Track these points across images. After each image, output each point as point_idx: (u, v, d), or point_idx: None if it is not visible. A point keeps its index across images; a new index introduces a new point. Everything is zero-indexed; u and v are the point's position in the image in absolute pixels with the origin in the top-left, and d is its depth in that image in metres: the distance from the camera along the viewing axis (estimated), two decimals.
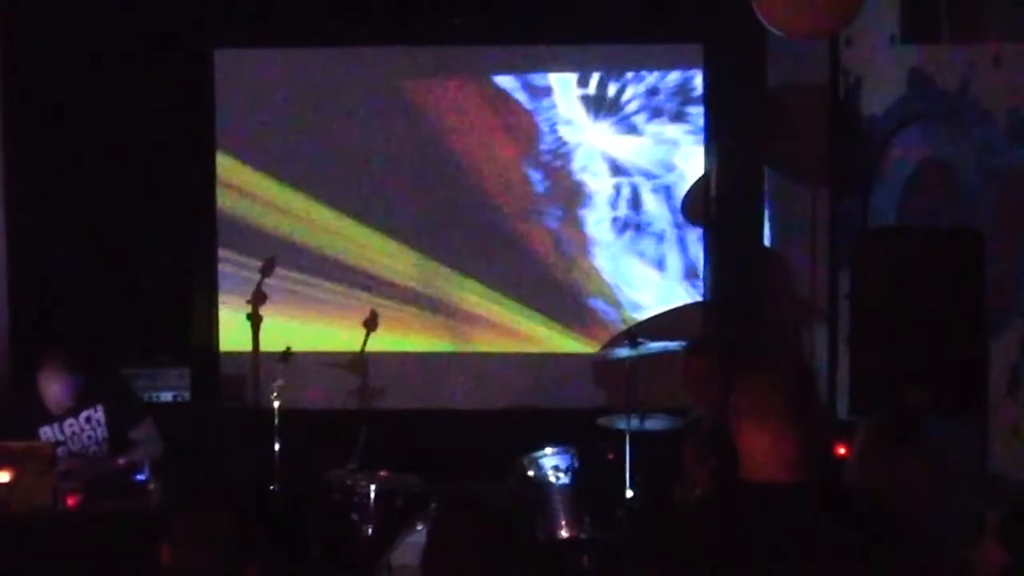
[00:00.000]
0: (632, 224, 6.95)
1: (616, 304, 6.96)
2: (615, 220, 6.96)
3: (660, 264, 6.97)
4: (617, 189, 6.95)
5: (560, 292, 7.00)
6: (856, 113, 6.18)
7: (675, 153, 6.93)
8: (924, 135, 5.57)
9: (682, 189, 6.94)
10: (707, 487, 4.46)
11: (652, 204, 6.95)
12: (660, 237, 6.96)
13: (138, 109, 6.77)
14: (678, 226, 6.95)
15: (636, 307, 6.95)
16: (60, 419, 5.44)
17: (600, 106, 6.93)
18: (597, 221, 6.98)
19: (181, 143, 6.88)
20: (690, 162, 6.92)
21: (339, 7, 6.83)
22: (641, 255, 6.96)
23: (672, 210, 6.95)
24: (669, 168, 6.95)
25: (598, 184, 6.96)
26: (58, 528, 4.91)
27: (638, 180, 6.95)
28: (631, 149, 6.94)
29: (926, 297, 4.34)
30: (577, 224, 6.98)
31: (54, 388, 5.37)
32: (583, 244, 6.98)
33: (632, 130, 6.93)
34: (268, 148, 7.02)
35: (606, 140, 6.94)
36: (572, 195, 6.98)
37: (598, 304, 6.99)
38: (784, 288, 6.75)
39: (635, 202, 6.95)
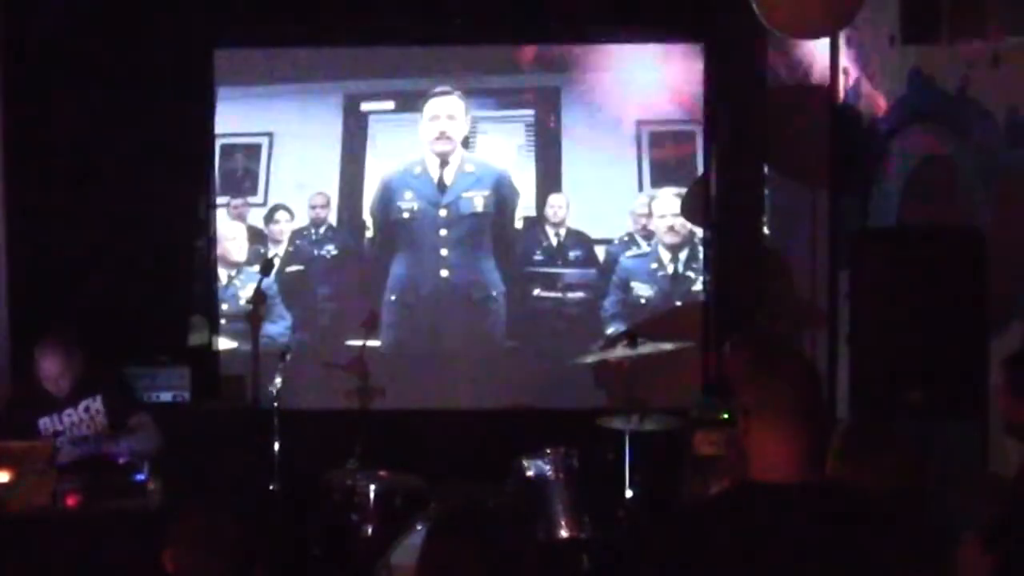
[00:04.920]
0: (630, 223, 6.94)
1: (615, 304, 6.95)
2: (613, 219, 6.95)
3: (659, 263, 6.96)
4: (615, 188, 6.94)
5: (560, 291, 6.99)
6: (856, 113, 6.18)
7: (674, 152, 6.92)
8: (924, 135, 5.58)
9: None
10: (734, 479, 4.47)
11: (653, 203, 6.94)
12: (659, 236, 6.95)
13: (138, 107, 6.76)
14: (678, 225, 6.93)
15: (636, 307, 6.94)
16: (60, 409, 5.45)
17: (598, 105, 6.92)
18: (595, 219, 6.97)
19: (181, 142, 6.88)
20: (690, 162, 6.91)
21: (339, 7, 6.82)
22: (640, 254, 6.95)
23: (671, 210, 6.94)
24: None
25: (597, 182, 6.94)
26: (58, 528, 4.92)
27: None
28: (629, 148, 6.93)
29: (926, 297, 4.34)
30: (576, 222, 6.97)
31: (48, 363, 5.35)
32: (582, 242, 6.97)
33: (630, 130, 6.92)
34: (268, 147, 7.01)
35: (604, 140, 6.93)
36: (570, 193, 6.97)
37: (598, 304, 6.98)
38: (784, 288, 6.75)
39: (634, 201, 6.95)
